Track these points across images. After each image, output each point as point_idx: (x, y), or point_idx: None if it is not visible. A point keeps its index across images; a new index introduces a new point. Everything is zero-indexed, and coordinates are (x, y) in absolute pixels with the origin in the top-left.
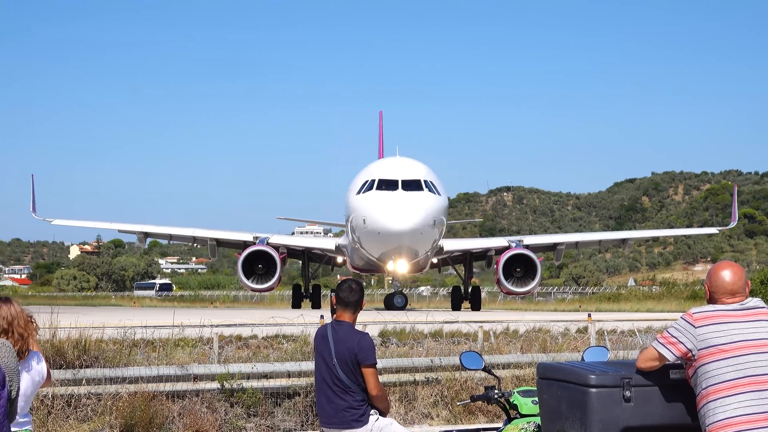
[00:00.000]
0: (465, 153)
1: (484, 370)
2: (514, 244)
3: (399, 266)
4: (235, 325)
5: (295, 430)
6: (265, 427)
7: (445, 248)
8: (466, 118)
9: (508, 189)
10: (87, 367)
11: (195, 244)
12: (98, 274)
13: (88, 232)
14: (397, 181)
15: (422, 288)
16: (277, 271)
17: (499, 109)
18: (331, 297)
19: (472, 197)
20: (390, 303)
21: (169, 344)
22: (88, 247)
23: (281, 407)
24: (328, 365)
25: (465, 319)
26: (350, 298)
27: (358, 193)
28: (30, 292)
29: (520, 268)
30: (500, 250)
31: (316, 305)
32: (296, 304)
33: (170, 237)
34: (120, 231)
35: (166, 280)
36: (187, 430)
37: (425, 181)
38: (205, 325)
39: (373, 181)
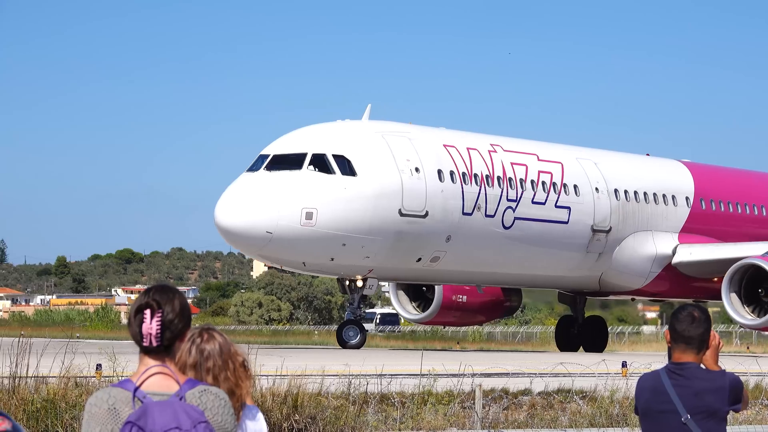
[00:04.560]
0: None
1: None
2: None
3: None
4: (507, 374)
5: None
6: None
7: (680, 258)
8: None
9: None
10: (300, 431)
11: None
12: (293, 300)
13: None
14: (266, 157)
15: None
16: (436, 290)
17: None
18: (664, 333)
19: None
20: (339, 337)
21: (415, 400)
22: None
23: None
24: (672, 427)
25: None
26: (692, 332)
27: None
28: (198, 325)
29: (765, 289)
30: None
31: (593, 347)
32: (564, 345)
33: None
34: None
35: (391, 309)
36: None
37: (324, 156)
38: (464, 374)
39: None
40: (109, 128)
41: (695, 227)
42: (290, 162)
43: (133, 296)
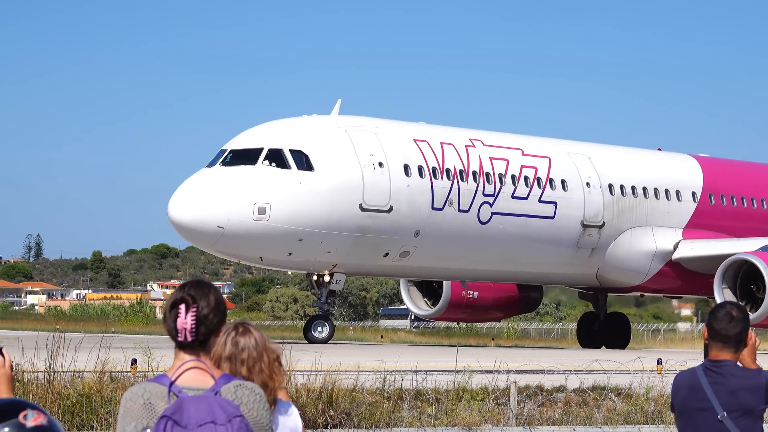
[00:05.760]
0: None
1: None
2: None
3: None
4: (542, 371)
5: None
6: None
7: (680, 253)
8: None
9: None
10: (334, 426)
11: None
12: None
13: None
14: (224, 152)
15: None
16: (444, 286)
17: None
18: (702, 330)
19: None
20: (307, 332)
21: (449, 397)
22: None
23: None
24: (709, 424)
25: None
26: (730, 331)
27: None
28: (233, 320)
29: (757, 285)
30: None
31: (614, 344)
32: (585, 342)
33: None
34: None
35: None
36: None
37: (281, 151)
38: (499, 371)
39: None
40: (145, 124)
41: (702, 222)
42: (247, 157)
43: (169, 291)
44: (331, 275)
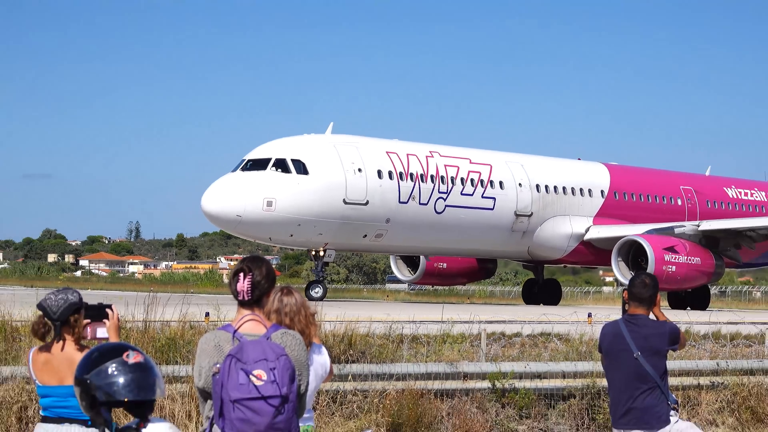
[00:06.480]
0: None
1: None
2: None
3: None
4: (504, 321)
5: None
6: (537, 430)
7: (591, 235)
8: None
9: None
10: (353, 362)
11: None
12: (348, 266)
13: None
14: (243, 161)
15: None
16: (421, 259)
17: None
18: (623, 294)
19: None
20: (306, 292)
21: (437, 340)
22: None
23: (555, 409)
24: (627, 361)
25: (752, 319)
26: (644, 294)
27: None
28: (279, 284)
29: (643, 258)
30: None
31: (550, 302)
32: (528, 300)
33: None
34: None
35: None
36: (456, 431)
37: (284, 160)
38: (473, 321)
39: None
40: (208, 141)
41: (609, 213)
42: (259, 165)
43: (233, 263)
44: (324, 251)
